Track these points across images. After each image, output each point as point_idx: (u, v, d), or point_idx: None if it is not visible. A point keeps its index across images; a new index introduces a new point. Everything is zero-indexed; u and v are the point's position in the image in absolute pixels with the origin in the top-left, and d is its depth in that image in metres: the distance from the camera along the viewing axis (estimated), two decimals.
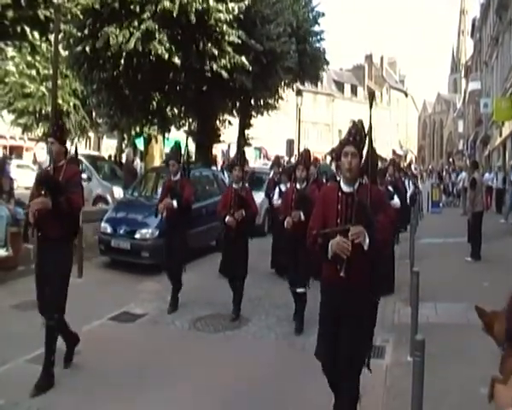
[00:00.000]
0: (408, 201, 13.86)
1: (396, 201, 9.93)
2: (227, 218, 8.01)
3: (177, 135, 26.50)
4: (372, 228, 4.05)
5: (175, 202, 8.29)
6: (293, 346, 7.09)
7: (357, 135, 4.30)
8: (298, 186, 7.95)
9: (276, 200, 10.27)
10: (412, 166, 52.77)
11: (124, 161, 24.51)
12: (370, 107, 4.38)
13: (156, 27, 16.16)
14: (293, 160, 30.68)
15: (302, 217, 7.41)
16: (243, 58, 17.27)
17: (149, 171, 16.11)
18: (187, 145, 9.08)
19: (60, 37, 13.67)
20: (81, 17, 14.79)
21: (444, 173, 42.39)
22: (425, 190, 30.38)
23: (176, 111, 21.66)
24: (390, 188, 10.41)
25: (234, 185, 8.37)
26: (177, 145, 8.83)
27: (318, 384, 4.75)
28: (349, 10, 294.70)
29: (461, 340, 7.06)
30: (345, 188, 4.36)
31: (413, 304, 6.54)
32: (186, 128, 24.24)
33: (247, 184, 10.31)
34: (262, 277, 10.67)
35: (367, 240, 4.07)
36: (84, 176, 18.01)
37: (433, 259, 12.86)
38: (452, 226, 18.21)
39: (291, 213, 7.58)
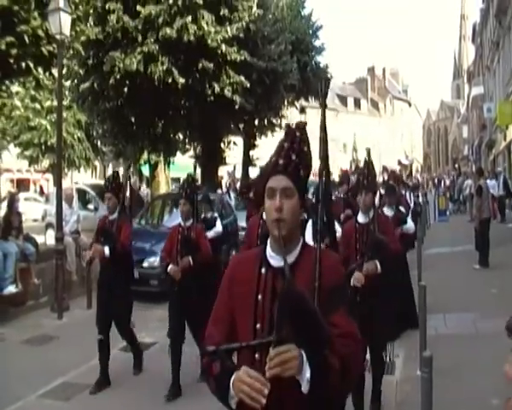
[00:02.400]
0: (410, 216, 13.24)
1: (410, 225, 8.48)
2: (169, 267, 6.33)
3: (183, 160, 26.73)
4: (319, 347, 1.91)
5: (107, 249, 6.45)
6: None
7: (295, 153, 2.24)
8: (264, 217, 5.63)
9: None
10: (418, 177, 52.54)
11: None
12: (323, 107, 2.61)
13: (157, 50, 16.48)
14: None
15: None
16: (242, 78, 17.46)
17: (156, 198, 16.23)
18: (129, 175, 7.45)
19: (64, 71, 13.91)
20: (83, 53, 15.06)
21: (448, 181, 41.77)
22: (431, 199, 30.26)
23: (181, 136, 21.85)
24: (402, 208, 9.22)
25: (181, 223, 6.63)
26: (115, 174, 7.01)
27: None
28: (350, 25, 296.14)
29: (470, 351, 7.05)
30: (272, 258, 2.24)
31: (421, 320, 6.42)
32: (191, 153, 24.48)
33: (214, 216, 9.29)
34: None
35: (307, 373, 1.89)
36: (90, 206, 18.32)
37: (441, 268, 12.86)
38: (460, 234, 18.14)
39: None
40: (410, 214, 12.70)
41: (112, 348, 7.79)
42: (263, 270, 2.23)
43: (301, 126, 2.33)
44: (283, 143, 2.29)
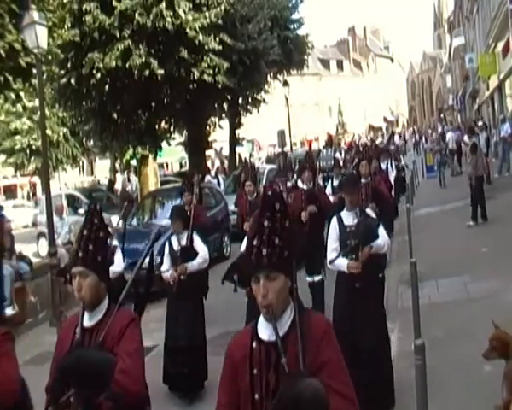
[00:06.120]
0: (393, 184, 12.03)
1: (383, 241, 5.45)
2: None
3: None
4: None
5: None
6: None
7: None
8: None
9: None
10: (406, 134, 51.85)
11: (119, 183, 24.68)
12: None
13: (134, 43, 16.38)
14: (287, 149, 30.60)
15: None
16: (222, 60, 17.37)
17: (145, 197, 16.16)
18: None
19: (43, 77, 13.71)
20: (61, 56, 14.91)
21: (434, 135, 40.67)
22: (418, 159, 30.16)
23: (166, 126, 21.76)
24: (369, 211, 5.99)
25: None
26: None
27: None
28: None
29: (463, 317, 7.17)
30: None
31: (414, 295, 6.35)
32: (178, 140, 24.42)
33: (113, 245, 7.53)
34: None
35: None
36: (81, 211, 18.23)
37: (432, 230, 12.91)
38: (448, 190, 18.11)
39: None
40: (393, 186, 11.80)
41: None
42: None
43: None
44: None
